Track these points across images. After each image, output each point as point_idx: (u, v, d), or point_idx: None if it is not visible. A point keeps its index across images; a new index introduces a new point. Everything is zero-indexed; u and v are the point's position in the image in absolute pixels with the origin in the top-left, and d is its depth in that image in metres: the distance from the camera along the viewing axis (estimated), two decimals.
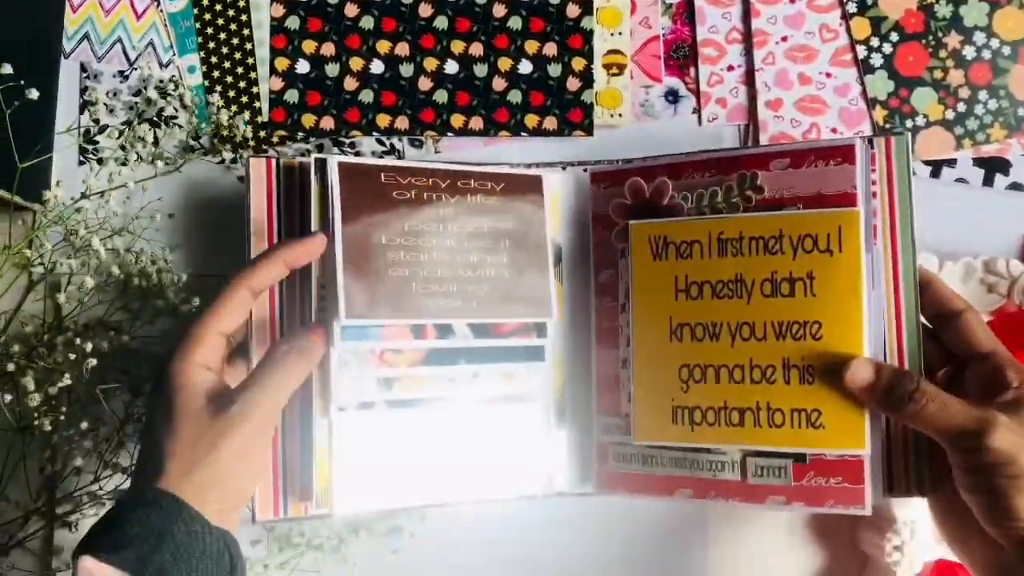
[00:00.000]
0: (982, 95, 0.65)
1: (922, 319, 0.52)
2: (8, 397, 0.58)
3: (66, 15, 0.68)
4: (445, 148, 0.67)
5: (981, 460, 0.45)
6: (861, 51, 0.66)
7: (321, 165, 0.53)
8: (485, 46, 0.67)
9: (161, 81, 0.67)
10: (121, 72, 0.68)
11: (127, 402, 0.61)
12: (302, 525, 0.62)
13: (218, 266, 0.65)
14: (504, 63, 0.67)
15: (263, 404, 0.48)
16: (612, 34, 0.67)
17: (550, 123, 0.66)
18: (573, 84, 0.66)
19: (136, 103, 0.67)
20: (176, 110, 0.66)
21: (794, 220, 0.51)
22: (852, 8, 0.67)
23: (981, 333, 0.51)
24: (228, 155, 0.66)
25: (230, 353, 0.53)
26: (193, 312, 0.61)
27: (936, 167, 0.65)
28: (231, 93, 0.67)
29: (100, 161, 0.66)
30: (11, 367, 0.58)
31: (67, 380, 0.57)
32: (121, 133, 0.66)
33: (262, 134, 0.67)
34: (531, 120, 0.66)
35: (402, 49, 0.67)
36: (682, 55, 0.68)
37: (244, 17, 0.68)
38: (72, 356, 0.58)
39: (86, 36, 0.68)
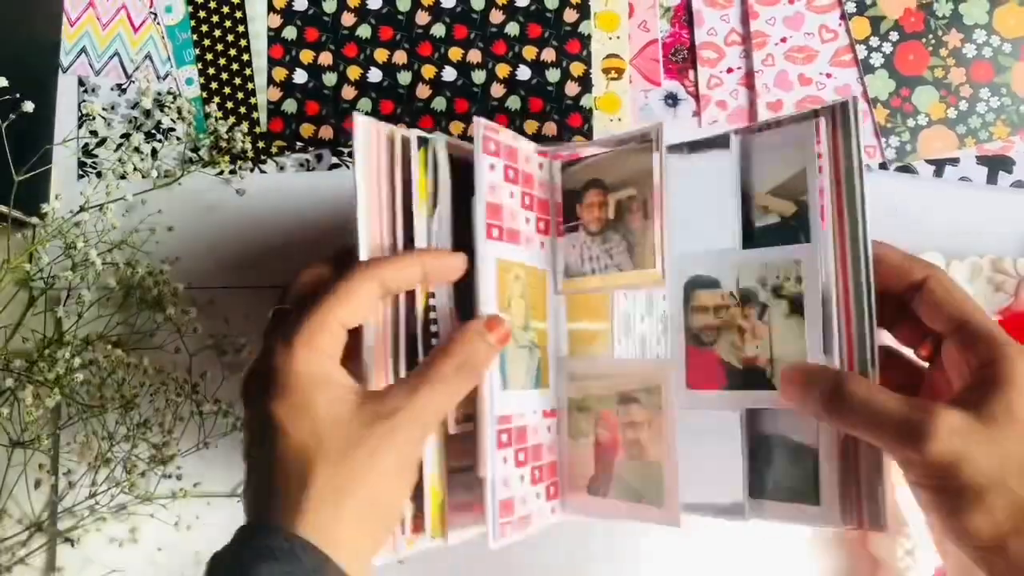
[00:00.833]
0: (984, 93, 0.65)
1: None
2: (7, 411, 0.58)
3: (63, 29, 0.69)
4: None
5: (922, 472, 0.38)
6: (861, 51, 0.66)
7: (423, 142, 0.47)
8: (483, 53, 0.67)
9: (159, 93, 0.67)
10: (119, 85, 0.68)
11: (120, 415, 0.60)
12: None
13: (217, 278, 0.64)
14: (502, 69, 0.66)
15: (429, 415, 0.41)
16: (610, 38, 0.67)
17: (549, 129, 0.66)
18: (572, 89, 0.66)
19: (134, 116, 0.67)
20: (174, 122, 0.66)
21: None
22: (851, 8, 0.66)
23: (948, 301, 0.42)
24: (226, 167, 0.66)
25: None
26: (192, 321, 0.61)
27: (939, 166, 0.65)
28: (229, 104, 0.67)
29: (99, 174, 0.66)
30: (10, 382, 0.58)
31: (65, 394, 0.57)
32: (119, 146, 0.66)
33: (260, 145, 0.66)
34: (530, 126, 0.66)
35: (400, 57, 0.67)
36: (681, 58, 0.67)
37: (241, 28, 0.68)
38: (71, 369, 0.57)
39: (84, 50, 0.68)
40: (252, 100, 0.67)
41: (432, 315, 0.46)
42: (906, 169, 0.65)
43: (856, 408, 0.40)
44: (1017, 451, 0.37)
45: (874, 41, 0.66)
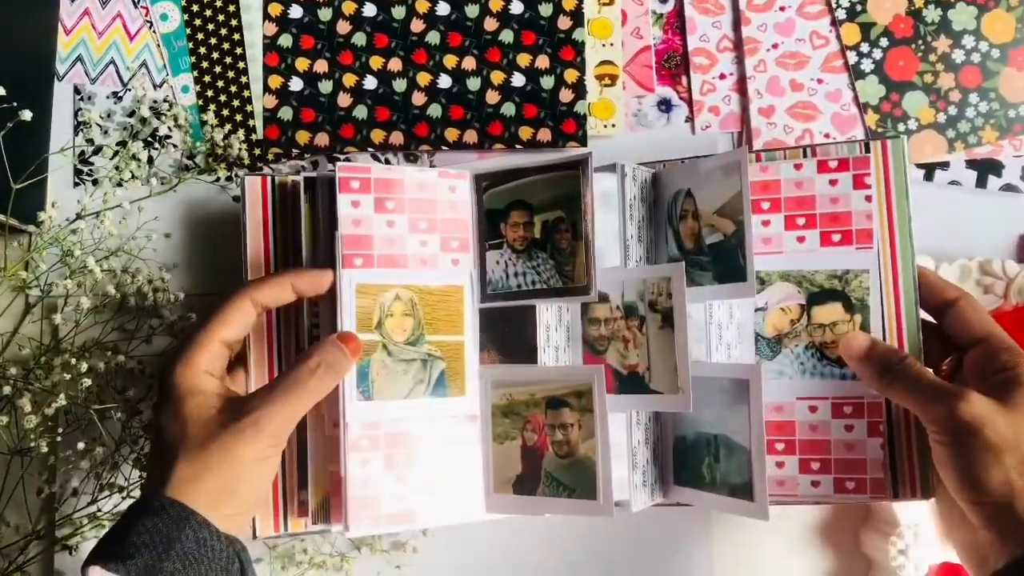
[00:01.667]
0: (973, 98, 0.65)
1: (924, 315, 0.53)
2: (5, 419, 0.58)
3: (59, 38, 0.69)
4: (440, 162, 0.67)
5: (949, 428, 0.46)
6: (852, 56, 0.67)
7: (308, 183, 0.54)
8: (478, 60, 0.67)
9: (155, 101, 0.67)
10: (115, 93, 0.68)
11: (123, 422, 0.60)
12: (304, 543, 0.62)
13: (214, 285, 0.65)
14: (497, 76, 0.67)
15: (282, 415, 0.47)
16: (604, 45, 0.68)
17: (544, 135, 0.66)
18: (566, 96, 0.66)
19: (130, 123, 0.67)
20: (170, 130, 0.67)
21: None
22: (841, 15, 0.67)
23: (975, 319, 0.51)
24: (223, 174, 0.66)
25: (229, 364, 0.52)
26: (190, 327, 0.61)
27: (929, 170, 0.66)
28: (225, 112, 0.67)
29: (95, 182, 0.66)
30: (7, 390, 0.58)
31: (63, 401, 0.57)
32: (116, 153, 0.66)
33: (257, 152, 0.67)
34: (525, 132, 0.66)
35: (395, 65, 0.67)
36: (674, 64, 0.68)
37: (237, 36, 0.68)
38: (68, 377, 0.57)
39: (79, 58, 0.68)
40: (248, 107, 0.67)
41: (316, 328, 0.54)
42: None
43: (908, 377, 0.49)
44: None
45: (864, 47, 0.67)
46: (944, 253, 0.62)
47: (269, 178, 0.55)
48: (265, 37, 0.68)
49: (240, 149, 0.66)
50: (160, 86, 0.68)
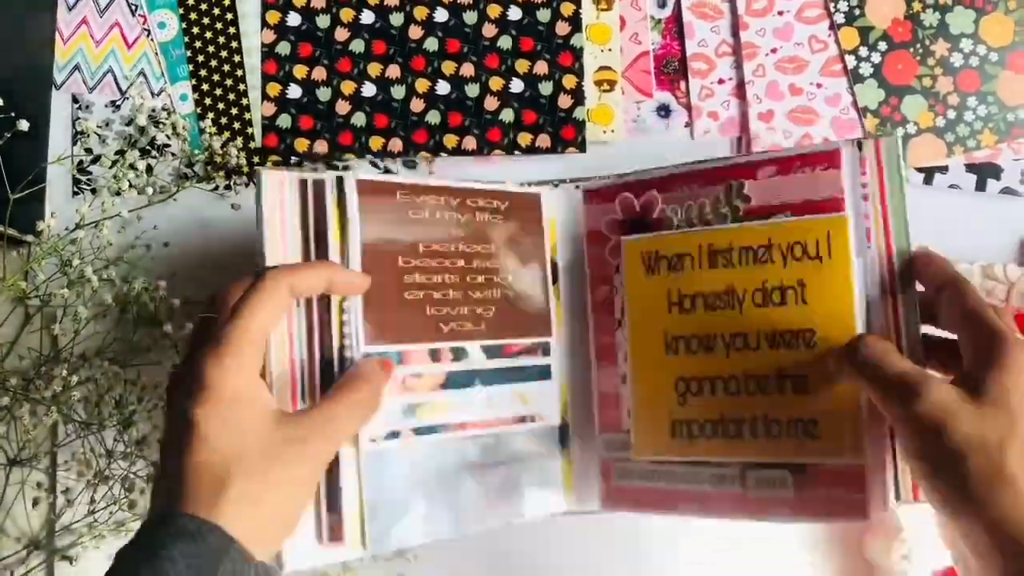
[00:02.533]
0: (971, 101, 0.65)
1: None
2: (3, 429, 0.58)
3: (56, 46, 0.69)
4: (439, 169, 0.67)
5: (908, 430, 0.42)
6: (850, 61, 0.66)
7: (338, 182, 0.51)
8: (476, 66, 0.67)
9: (153, 110, 0.67)
10: (113, 102, 0.68)
11: (119, 431, 0.60)
12: None
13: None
14: (495, 83, 0.67)
15: (338, 441, 0.45)
16: (602, 51, 0.68)
17: (543, 141, 0.66)
18: (565, 101, 0.66)
19: (129, 132, 0.67)
20: (169, 138, 0.67)
21: (782, 228, 0.51)
22: (840, 19, 0.67)
23: (961, 302, 0.45)
24: (222, 182, 0.66)
25: None
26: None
27: (929, 174, 0.66)
28: (223, 120, 0.67)
29: (94, 191, 0.66)
30: (6, 400, 0.58)
31: (56, 416, 0.57)
32: (114, 163, 0.66)
33: (255, 160, 0.67)
34: (524, 138, 0.66)
35: (393, 72, 0.67)
36: (672, 69, 0.68)
37: (235, 44, 0.68)
38: (67, 387, 0.57)
39: (77, 67, 0.68)
40: (246, 115, 0.67)
41: (345, 337, 0.49)
42: None
43: (868, 361, 0.45)
44: (1001, 427, 0.40)
45: (863, 51, 0.67)
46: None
47: (287, 174, 0.50)
48: (263, 45, 0.68)
49: (238, 157, 0.66)
50: (158, 94, 0.68)
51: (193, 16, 0.69)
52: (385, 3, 0.68)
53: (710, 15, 0.68)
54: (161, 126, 0.66)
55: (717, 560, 0.64)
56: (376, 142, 0.66)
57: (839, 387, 0.48)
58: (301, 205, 0.50)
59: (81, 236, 0.61)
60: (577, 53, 0.67)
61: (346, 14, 0.68)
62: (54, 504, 0.61)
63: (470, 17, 0.68)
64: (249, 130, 0.67)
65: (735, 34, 0.68)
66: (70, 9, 0.69)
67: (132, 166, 0.65)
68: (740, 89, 0.67)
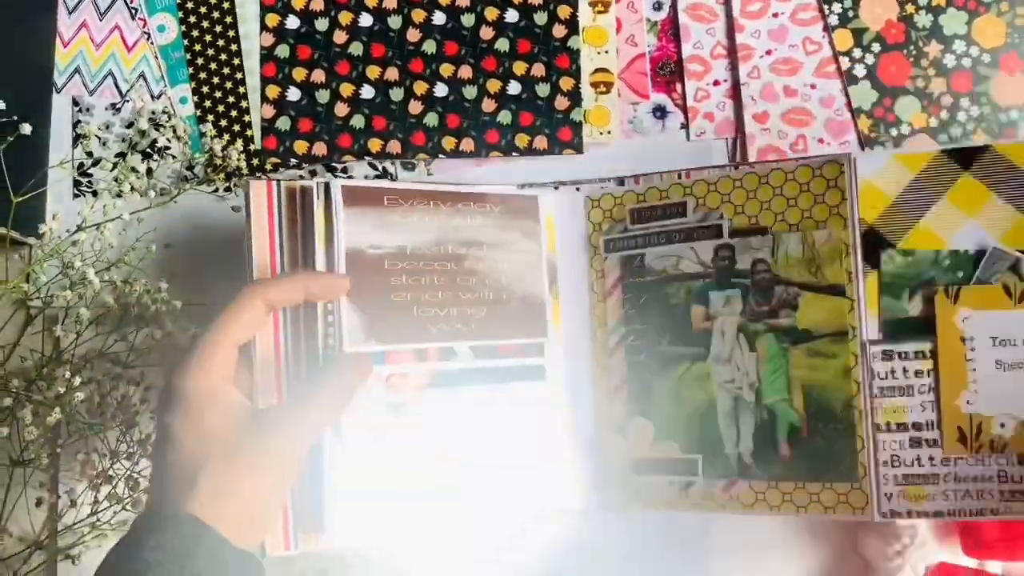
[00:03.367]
0: (964, 102, 0.66)
1: None
2: (6, 431, 0.58)
3: (57, 50, 0.69)
4: (437, 170, 0.67)
5: None
6: (844, 62, 0.67)
7: (325, 188, 0.53)
8: (474, 69, 0.68)
9: (153, 112, 0.68)
10: (113, 105, 0.68)
11: (122, 432, 0.61)
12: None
13: (215, 295, 0.65)
14: (493, 85, 0.67)
15: (309, 434, 0.47)
16: (599, 53, 0.68)
17: (540, 142, 0.67)
18: (562, 103, 0.67)
19: (129, 135, 0.68)
20: (169, 141, 0.67)
21: None
22: (834, 20, 0.68)
23: None
24: (222, 184, 0.66)
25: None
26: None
27: None
28: (223, 122, 0.68)
29: (95, 193, 0.67)
30: (8, 401, 0.58)
31: (59, 415, 0.57)
32: (115, 165, 0.66)
33: (255, 162, 0.67)
34: (522, 140, 0.67)
35: (391, 74, 0.68)
36: (668, 71, 0.69)
37: (234, 47, 0.68)
38: (70, 388, 0.58)
39: (77, 70, 0.69)
40: (246, 118, 0.68)
41: (329, 337, 0.51)
42: None
43: None
44: None
45: (857, 52, 0.67)
46: None
47: (274, 183, 0.53)
48: (262, 48, 0.69)
49: (238, 159, 0.66)
50: (158, 97, 0.69)
51: (192, 19, 0.69)
52: (383, 6, 0.68)
53: (706, 17, 0.69)
54: (162, 129, 0.67)
55: (712, 559, 0.64)
56: (375, 144, 0.67)
57: None
58: (288, 212, 0.53)
59: (83, 238, 0.62)
60: (574, 55, 0.68)
61: (345, 17, 0.68)
62: (56, 504, 0.62)
63: (468, 20, 0.68)
64: (248, 132, 0.68)
65: (730, 36, 0.68)
66: (70, 12, 0.70)
67: (133, 169, 0.65)
68: (735, 91, 0.68)
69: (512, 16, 0.68)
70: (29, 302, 0.64)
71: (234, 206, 0.66)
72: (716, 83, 0.68)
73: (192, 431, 0.44)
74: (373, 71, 0.68)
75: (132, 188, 0.65)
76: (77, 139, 0.68)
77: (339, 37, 0.68)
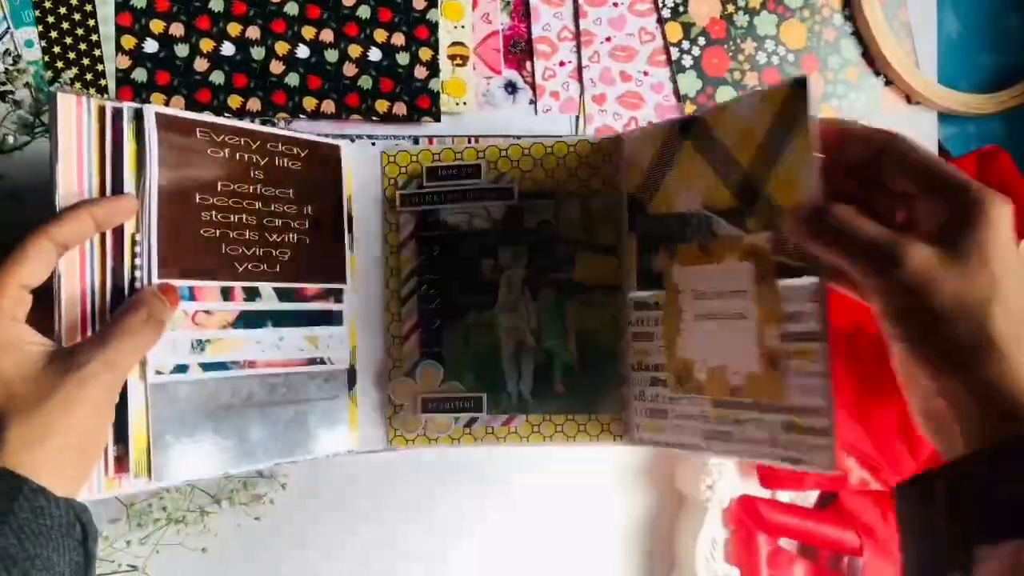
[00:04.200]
0: None
1: None
2: None
3: None
4: (298, 130, 0.69)
5: (888, 297, 0.41)
6: (674, 52, 0.75)
7: (137, 114, 0.52)
8: (336, 33, 0.70)
9: None
10: None
11: None
12: (163, 500, 0.63)
13: None
14: (354, 50, 0.70)
15: (119, 366, 0.46)
16: (455, 27, 0.72)
17: (400, 109, 0.70)
18: (421, 72, 0.70)
19: None
20: (11, 85, 0.65)
21: None
22: (666, 14, 0.75)
23: (913, 157, 0.43)
24: None
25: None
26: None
27: None
28: (75, 70, 0.66)
29: None
30: None
31: None
32: None
33: None
34: (381, 105, 0.70)
35: (253, 33, 0.69)
36: (520, 49, 0.74)
37: None
38: None
39: None
40: (99, 67, 0.66)
41: (136, 269, 0.51)
42: None
43: (835, 229, 0.42)
44: (984, 287, 0.39)
45: (685, 44, 0.75)
46: None
47: (84, 98, 0.50)
48: None
49: None
50: (1, 38, 0.66)
51: None
52: None
53: (554, 1, 0.74)
54: (9, 73, 0.64)
55: (527, 482, 0.71)
56: (235, 100, 0.68)
57: None
58: (99, 134, 0.51)
59: None
60: (432, 27, 0.71)
61: None
62: None
63: None
64: (102, 82, 0.66)
65: (575, 21, 0.74)
66: None
67: None
68: (578, 72, 0.74)
69: None
70: None
71: None
72: (562, 64, 0.74)
73: None
74: (234, 28, 0.68)
75: None
76: None
77: None
